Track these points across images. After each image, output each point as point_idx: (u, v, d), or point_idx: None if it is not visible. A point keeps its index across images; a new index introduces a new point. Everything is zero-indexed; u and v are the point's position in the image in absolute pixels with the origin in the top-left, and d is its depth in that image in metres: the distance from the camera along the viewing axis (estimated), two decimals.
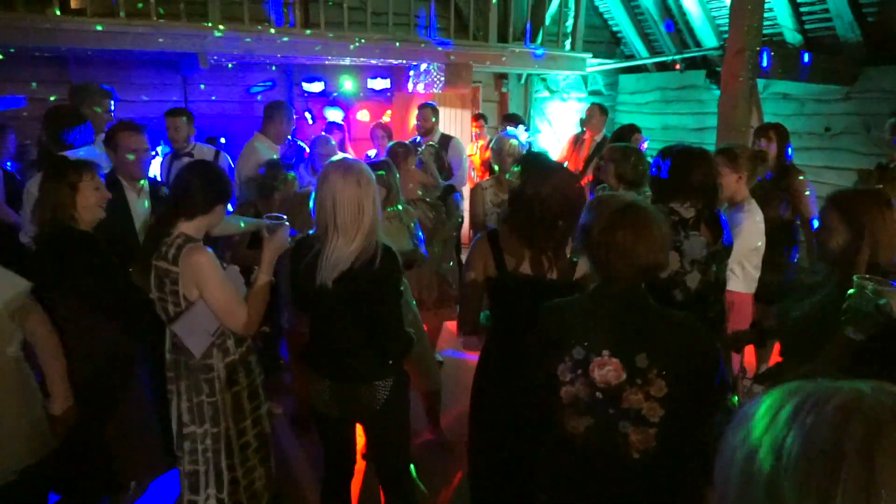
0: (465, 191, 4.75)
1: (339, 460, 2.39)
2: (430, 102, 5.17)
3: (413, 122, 5.70)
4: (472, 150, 6.33)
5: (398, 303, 2.17)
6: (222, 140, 4.37)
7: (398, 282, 2.16)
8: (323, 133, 5.00)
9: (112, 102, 4.05)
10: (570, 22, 7.02)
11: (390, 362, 2.20)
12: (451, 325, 4.99)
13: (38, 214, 2.38)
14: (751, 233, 2.91)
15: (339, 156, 2.15)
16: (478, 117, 6.64)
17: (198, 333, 2.19)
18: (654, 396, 1.53)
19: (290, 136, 4.47)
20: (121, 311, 2.48)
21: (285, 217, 2.47)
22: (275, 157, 4.02)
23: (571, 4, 6.95)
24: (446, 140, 4.97)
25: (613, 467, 1.61)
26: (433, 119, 5.01)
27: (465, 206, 4.27)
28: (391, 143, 4.08)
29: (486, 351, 2.39)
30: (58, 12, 4.37)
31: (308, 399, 2.31)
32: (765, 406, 0.65)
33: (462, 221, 4.31)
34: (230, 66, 5.89)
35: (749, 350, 3.10)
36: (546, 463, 1.76)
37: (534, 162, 2.33)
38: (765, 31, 5.27)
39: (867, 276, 1.69)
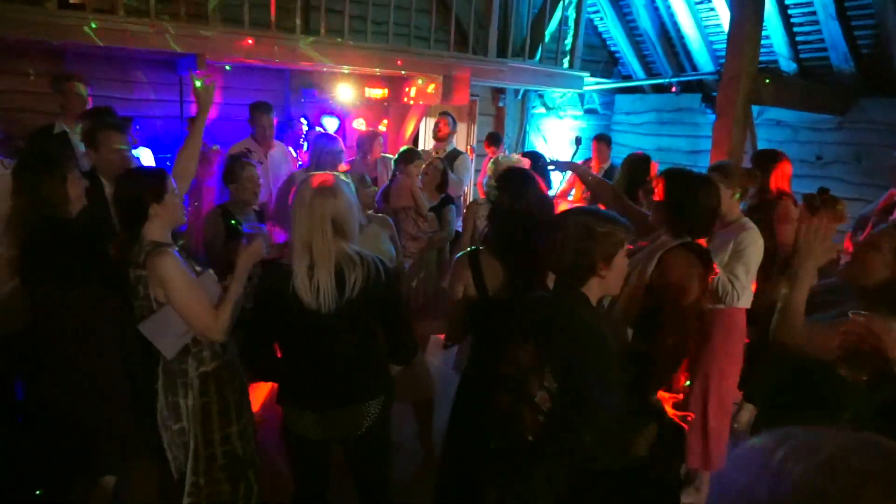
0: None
1: (313, 485, 2.31)
2: (448, 112, 5.19)
3: (409, 131, 5.72)
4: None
5: (402, 302, 2.18)
6: (214, 147, 4.34)
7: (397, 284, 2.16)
8: (321, 129, 5.01)
9: (84, 87, 4.02)
10: (568, 40, 7.07)
11: (404, 362, 2.23)
12: (440, 336, 4.98)
13: (23, 207, 2.34)
14: (754, 252, 2.91)
15: (314, 174, 2.10)
16: (490, 141, 6.39)
17: (167, 336, 2.18)
18: (546, 387, 1.68)
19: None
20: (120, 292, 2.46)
21: (265, 227, 2.46)
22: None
23: (571, 23, 7.00)
24: (455, 154, 4.98)
25: (512, 444, 1.78)
26: (450, 129, 5.05)
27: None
28: (403, 149, 4.08)
29: (465, 374, 2.38)
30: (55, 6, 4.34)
31: (282, 427, 2.25)
32: (759, 446, 0.65)
33: (454, 235, 4.30)
34: (227, 68, 5.87)
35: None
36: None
37: (510, 177, 2.28)
38: (760, 59, 5.33)
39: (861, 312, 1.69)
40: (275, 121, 4.65)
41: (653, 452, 1.83)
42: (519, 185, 2.19)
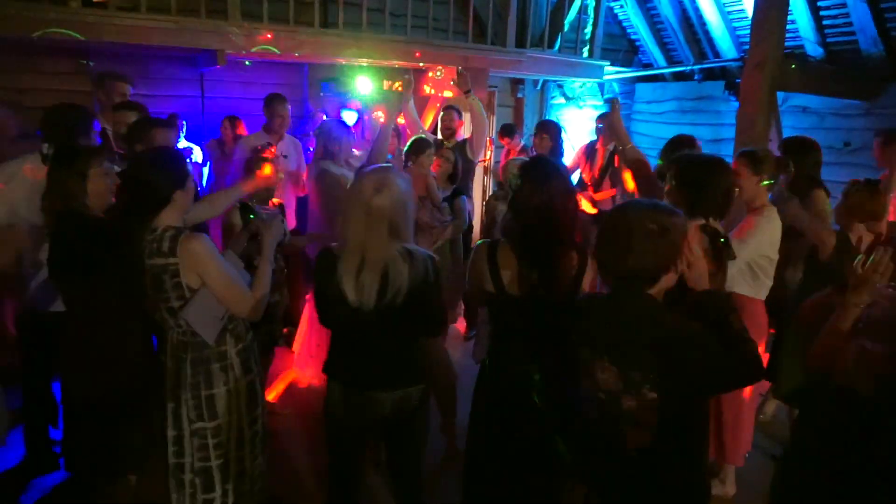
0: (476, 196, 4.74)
1: (349, 472, 2.32)
2: (455, 105, 5.15)
3: (429, 122, 5.69)
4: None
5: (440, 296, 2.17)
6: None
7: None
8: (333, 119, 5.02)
9: (129, 88, 4.06)
10: (588, 29, 6.99)
11: (436, 334, 2.26)
12: (459, 327, 4.98)
13: (46, 203, 2.38)
14: (761, 241, 2.87)
15: (371, 170, 2.09)
16: (504, 132, 6.32)
17: (208, 320, 2.16)
18: (648, 406, 1.61)
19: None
20: (137, 292, 2.49)
21: (278, 211, 2.51)
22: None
23: (591, 12, 6.92)
24: (462, 144, 4.95)
25: (613, 460, 1.71)
26: (457, 120, 5.01)
27: (473, 209, 4.26)
28: (415, 137, 4.07)
29: (483, 367, 2.36)
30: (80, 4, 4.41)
31: (325, 407, 2.25)
32: None
33: (468, 225, 4.29)
34: (247, 63, 5.91)
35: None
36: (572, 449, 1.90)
37: (534, 167, 2.20)
38: (786, 44, 5.21)
39: None
40: (289, 112, 4.68)
41: None
42: (542, 176, 2.12)
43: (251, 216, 3.19)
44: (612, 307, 1.70)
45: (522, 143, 6.23)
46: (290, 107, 4.74)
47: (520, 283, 2.08)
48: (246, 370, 2.29)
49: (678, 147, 3.54)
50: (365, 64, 6.00)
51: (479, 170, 5.94)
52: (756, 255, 2.87)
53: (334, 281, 1.99)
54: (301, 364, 4.01)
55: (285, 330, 4.38)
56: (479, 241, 2.28)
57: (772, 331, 3.14)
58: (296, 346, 4.05)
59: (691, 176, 2.40)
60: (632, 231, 1.59)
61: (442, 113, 5.09)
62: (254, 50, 5.05)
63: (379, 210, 1.93)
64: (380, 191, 1.95)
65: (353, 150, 4.30)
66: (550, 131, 5.17)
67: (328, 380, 2.23)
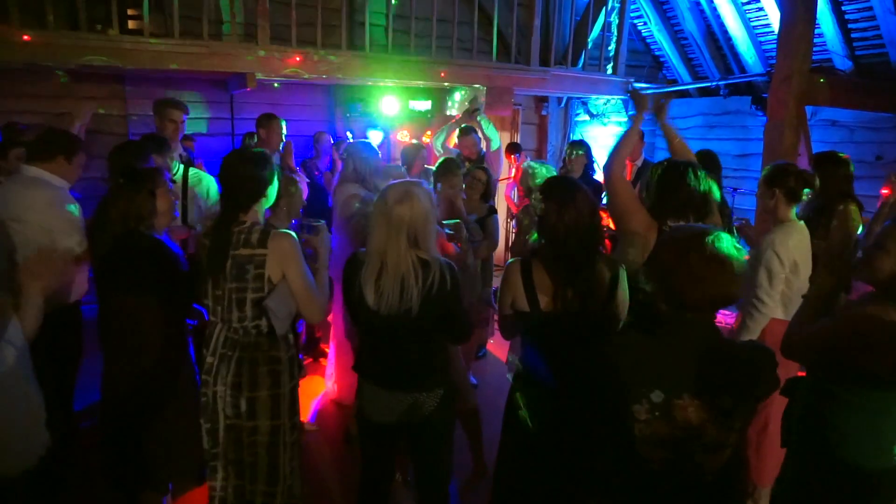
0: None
1: (379, 473, 2.39)
2: (470, 127, 5.17)
3: (453, 142, 5.73)
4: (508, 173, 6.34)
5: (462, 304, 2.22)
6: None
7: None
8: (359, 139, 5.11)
9: (182, 115, 4.19)
10: (612, 46, 7.01)
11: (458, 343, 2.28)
12: (491, 349, 4.96)
13: (112, 222, 2.41)
14: (772, 256, 2.81)
15: (395, 184, 2.18)
16: (510, 150, 6.38)
17: (284, 312, 2.26)
18: (733, 428, 1.58)
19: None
20: (180, 315, 2.56)
21: (323, 221, 2.62)
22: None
23: (614, 29, 6.94)
24: (480, 160, 4.97)
25: (687, 490, 1.65)
26: (478, 144, 5.04)
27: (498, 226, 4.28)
28: (443, 158, 4.10)
29: (514, 384, 2.37)
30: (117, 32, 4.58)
31: (357, 407, 2.34)
32: None
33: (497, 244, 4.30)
34: (276, 85, 6.05)
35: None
36: (621, 489, 1.78)
37: (556, 188, 2.23)
38: (813, 57, 5.16)
39: None
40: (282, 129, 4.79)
41: None
42: (566, 194, 2.16)
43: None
44: (680, 342, 1.59)
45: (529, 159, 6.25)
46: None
47: (554, 300, 2.11)
48: (291, 376, 2.38)
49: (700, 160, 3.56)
50: (391, 84, 6.10)
51: (500, 186, 5.94)
52: (770, 272, 2.83)
53: (357, 284, 2.10)
54: (334, 380, 4.05)
55: (324, 346, 4.42)
56: (510, 260, 2.30)
57: None
58: (326, 362, 4.09)
59: (667, 179, 2.44)
60: (711, 259, 1.50)
61: (458, 132, 5.09)
62: (283, 73, 5.18)
63: (399, 219, 2.02)
64: (402, 202, 2.04)
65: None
66: (584, 148, 5.22)
67: (359, 377, 2.32)
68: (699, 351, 1.56)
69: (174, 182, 3.37)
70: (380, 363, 2.23)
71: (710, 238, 1.53)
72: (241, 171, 2.26)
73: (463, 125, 5.08)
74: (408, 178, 3.12)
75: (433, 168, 4.13)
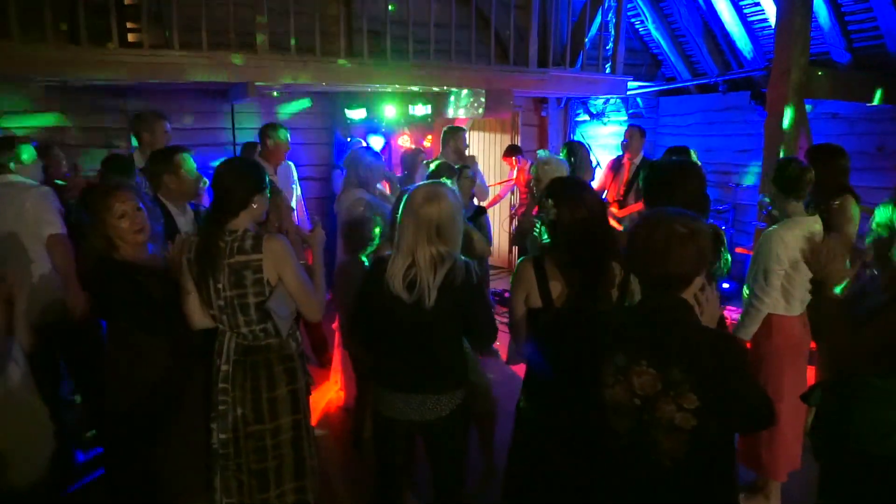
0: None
1: (394, 471, 2.40)
2: (460, 128, 5.21)
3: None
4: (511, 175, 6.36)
5: (487, 297, 2.25)
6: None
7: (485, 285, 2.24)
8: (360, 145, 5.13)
9: (167, 125, 4.21)
10: (610, 45, 7.02)
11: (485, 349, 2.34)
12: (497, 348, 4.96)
13: (88, 243, 2.43)
14: (763, 253, 2.85)
15: (422, 185, 2.25)
16: (510, 152, 6.41)
17: (285, 313, 2.30)
18: (687, 408, 1.60)
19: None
20: (168, 335, 2.52)
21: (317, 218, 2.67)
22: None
23: (612, 28, 6.96)
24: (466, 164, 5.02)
25: (647, 472, 1.70)
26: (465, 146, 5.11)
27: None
28: (438, 162, 4.13)
29: (525, 385, 2.37)
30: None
31: (374, 406, 2.37)
32: None
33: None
34: (276, 94, 6.08)
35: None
36: (593, 466, 1.86)
37: (562, 187, 2.27)
38: (811, 51, 5.17)
39: None
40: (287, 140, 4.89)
41: None
42: (574, 192, 2.20)
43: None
44: (648, 312, 1.73)
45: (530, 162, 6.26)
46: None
47: (568, 296, 2.14)
48: (304, 371, 2.43)
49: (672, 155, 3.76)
50: (391, 90, 6.12)
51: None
52: (766, 268, 2.84)
53: (384, 281, 2.14)
54: (340, 387, 4.05)
55: (332, 354, 4.43)
56: (521, 258, 2.33)
57: (813, 345, 3.07)
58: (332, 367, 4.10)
59: (663, 178, 2.46)
60: (670, 237, 1.62)
61: (446, 134, 5.14)
62: (283, 81, 5.20)
63: (426, 217, 2.09)
64: (430, 201, 2.10)
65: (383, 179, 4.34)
66: (578, 156, 5.11)
67: (379, 385, 2.34)
68: (661, 322, 1.67)
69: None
70: (401, 365, 2.24)
71: (673, 219, 1.65)
72: (227, 179, 2.29)
73: (448, 126, 5.15)
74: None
75: (429, 171, 4.16)
